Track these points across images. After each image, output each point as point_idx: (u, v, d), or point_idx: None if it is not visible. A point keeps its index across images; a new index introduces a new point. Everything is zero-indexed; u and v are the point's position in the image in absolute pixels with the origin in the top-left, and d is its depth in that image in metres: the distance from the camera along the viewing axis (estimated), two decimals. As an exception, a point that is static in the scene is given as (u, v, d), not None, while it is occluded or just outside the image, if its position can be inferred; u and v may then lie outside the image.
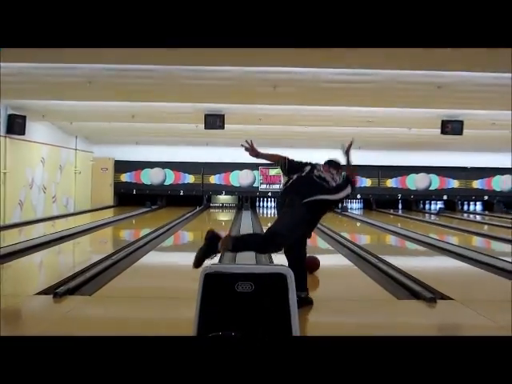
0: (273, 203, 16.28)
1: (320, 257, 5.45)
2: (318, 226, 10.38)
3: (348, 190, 4.12)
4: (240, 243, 3.70)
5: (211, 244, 3.54)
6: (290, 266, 3.90)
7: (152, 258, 6.64)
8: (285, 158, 4.30)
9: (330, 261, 6.49)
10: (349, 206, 16.47)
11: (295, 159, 4.37)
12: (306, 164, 4.27)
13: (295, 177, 4.13)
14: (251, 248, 4.00)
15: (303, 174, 4.13)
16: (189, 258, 5.39)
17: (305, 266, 4.17)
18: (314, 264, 5.35)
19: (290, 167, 4.24)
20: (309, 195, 3.89)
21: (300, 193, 3.92)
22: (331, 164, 4.27)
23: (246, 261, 5.40)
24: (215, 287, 2.60)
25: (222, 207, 16.44)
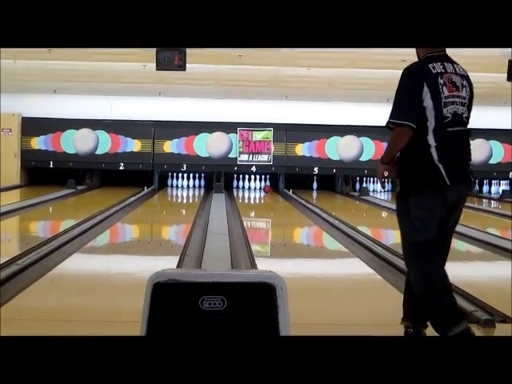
0: (258, 183, 16.25)
1: (328, 262, 5.48)
2: (326, 217, 10.48)
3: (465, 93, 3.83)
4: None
5: None
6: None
7: (77, 263, 6.65)
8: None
9: (343, 268, 6.53)
10: (370, 187, 16.54)
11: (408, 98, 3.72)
12: (420, 91, 3.64)
13: (433, 143, 3.65)
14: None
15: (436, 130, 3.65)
16: (132, 263, 5.37)
17: None
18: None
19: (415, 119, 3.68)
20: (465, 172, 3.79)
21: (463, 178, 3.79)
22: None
23: (217, 263, 5.39)
24: (169, 303, 2.61)
25: (183, 187, 16.43)
